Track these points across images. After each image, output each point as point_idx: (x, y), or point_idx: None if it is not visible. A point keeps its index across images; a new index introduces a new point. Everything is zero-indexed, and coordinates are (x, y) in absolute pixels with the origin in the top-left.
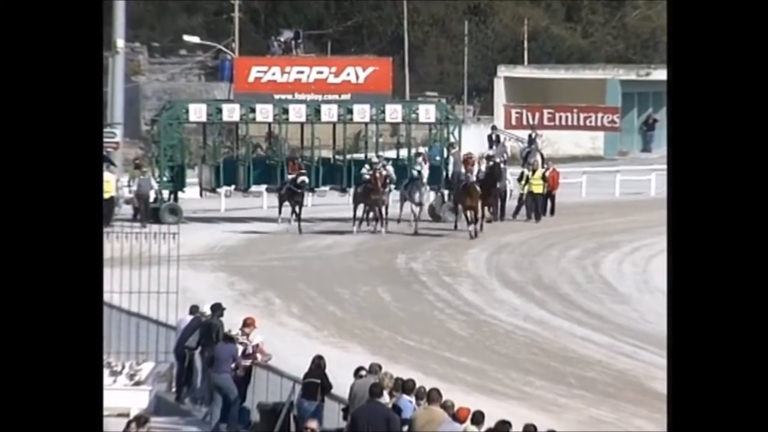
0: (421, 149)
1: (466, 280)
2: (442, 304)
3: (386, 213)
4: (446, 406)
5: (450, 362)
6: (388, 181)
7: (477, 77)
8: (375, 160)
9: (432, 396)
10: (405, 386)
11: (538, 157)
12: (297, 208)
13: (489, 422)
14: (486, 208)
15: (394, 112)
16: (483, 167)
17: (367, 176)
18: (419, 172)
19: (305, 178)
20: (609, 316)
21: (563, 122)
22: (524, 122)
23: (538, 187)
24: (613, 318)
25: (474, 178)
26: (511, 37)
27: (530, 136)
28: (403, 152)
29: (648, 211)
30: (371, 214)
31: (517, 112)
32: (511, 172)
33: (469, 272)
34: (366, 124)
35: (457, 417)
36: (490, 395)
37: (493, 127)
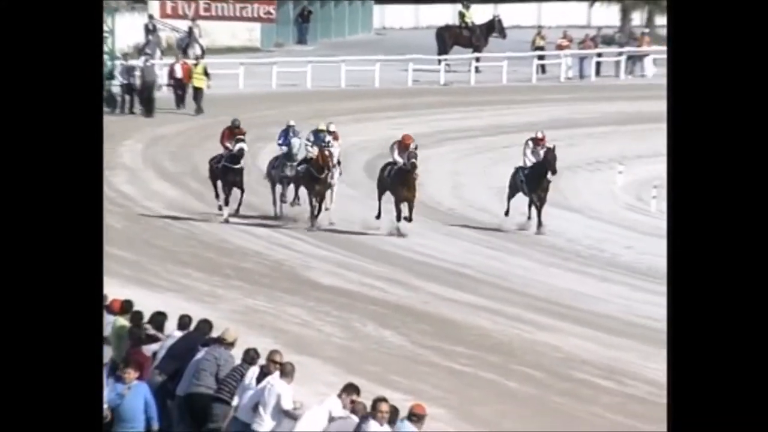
0: (291, 122)
1: (121, 172)
2: None
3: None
4: None
5: (106, 255)
6: (332, 163)
7: None
8: (322, 126)
9: None
10: None
11: (198, 49)
12: (236, 192)
13: (145, 315)
14: (533, 204)
15: None
16: (528, 153)
17: (311, 154)
18: (289, 144)
19: (243, 145)
20: (267, 208)
21: (219, 12)
22: (180, 12)
23: (200, 82)
24: (270, 209)
25: (409, 163)
26: None
27: (189, 27)
28: None
29: (304, 102)
30: (315, 203)
31: (172, 2)
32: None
33: (124, 164)
34: None
35: (110, 309)
36: (146, 287)
37: (150, 17)
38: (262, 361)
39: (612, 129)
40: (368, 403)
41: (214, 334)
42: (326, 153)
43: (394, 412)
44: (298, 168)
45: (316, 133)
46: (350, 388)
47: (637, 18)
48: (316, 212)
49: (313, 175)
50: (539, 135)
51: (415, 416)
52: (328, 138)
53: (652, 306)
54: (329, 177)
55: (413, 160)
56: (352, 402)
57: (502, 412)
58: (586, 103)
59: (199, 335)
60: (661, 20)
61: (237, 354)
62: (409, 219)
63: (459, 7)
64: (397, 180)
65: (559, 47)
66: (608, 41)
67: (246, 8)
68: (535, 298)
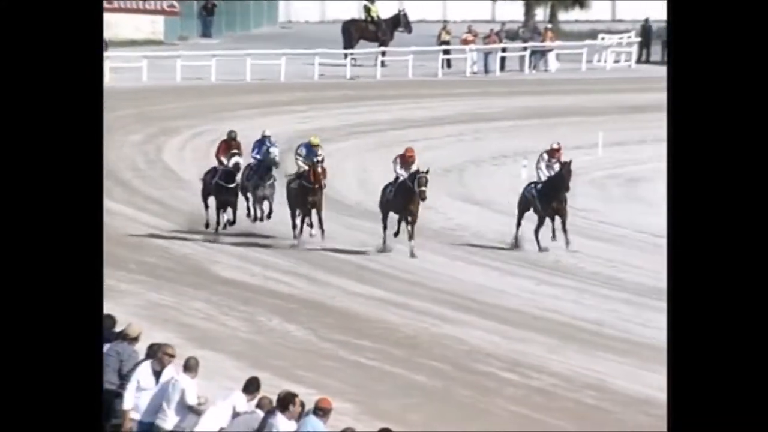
0: (267, 131)
1: None
2: None
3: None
4: None
5: None
6: (325, 178)
7: None
8: (314, 140)
9: None
10: None
11: None
12: (229, 212)
13: None
14: (552, 219)
15: None
16: (542, 166)
17: (303, 167)
18: (264, 159)
19: (239, 160)
20: (171, 202)
21: (122, 5)
22: None
23: None
24: (175, 203)
25: (418, 191)
26: None
27: None
28: None
29: (209, 96)
30: (306, 219)
31: None
32: None
33: None
34: None
35: None
36: None
37: None
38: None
39: (517, 123)
40: (273, 398)
41: (118, 329)
42: (320, 169)
43: (300, 406)
44: (291, 185)
45: (309, 146)
46: (252, 385)
47: (541, 13)
48: (312, 228)
49: (307, 189)
50: (555, 146)
51: (321, 410)
52: (320, 152)
53: (557, 300)
54: (321, 192)
55: (423, 188)
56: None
57: (408, 406)
58: (491, 98)
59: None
60: (565, 16)
61: (141, 349)
62: (410, 237)
63: (364, 1)
64: (400, 196)
65: (464, 42)
66: (512, 36)
67: (149, 1)
68: (440, 292)
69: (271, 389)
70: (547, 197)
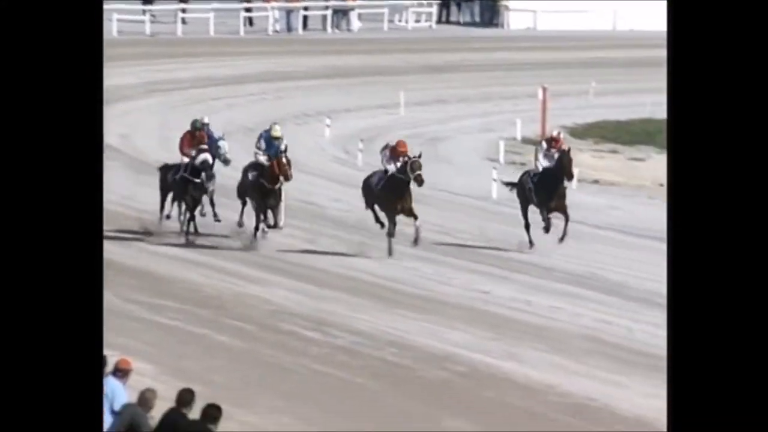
0: (206, 119)
1: None
2: None
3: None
4: None
5: None
6: (289, 172)
7: None
8: (276, 132)
9: None
10: None
11: None
12: (191, 208)
13: None
14: (549, 213)
15: None
16: (540, 156)
17: (264, 162)
18: (218, 145)
19: (208, 157)
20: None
21: None
22: None
23: None
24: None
25: (413, 175)
26: None
27: None
28: None
29: None
30: (261, 217)
31: None
32: None
33: None
34: None
35: None
36: None
37: None
38: None
39: (319, 83)
40: None
41: None
42: (284, 161)
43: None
44: (248, 175)
45: (269, 138)
46: None
47: None
48: (264, 228)
49: (265, 187)
50: (554, 134)
51: (120, 371)
52: (284, 145)
53: (360, 258)
54: (281, 188)
55: (418, 172)
56: None
57: (212, 367)
58: (294, 57)
59: None
60: None
61: None
62: (415, 241)
63: None
64: (389, 190)
65: (267, 0)
66: None
67: None
68: (244, 251)
69: None
70: (545, 190)
